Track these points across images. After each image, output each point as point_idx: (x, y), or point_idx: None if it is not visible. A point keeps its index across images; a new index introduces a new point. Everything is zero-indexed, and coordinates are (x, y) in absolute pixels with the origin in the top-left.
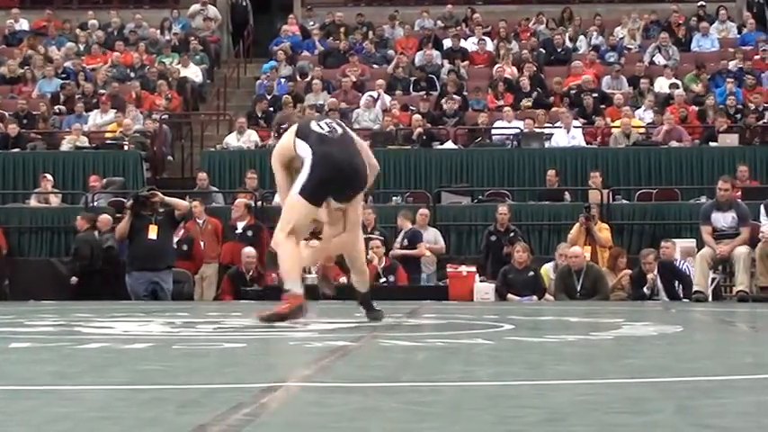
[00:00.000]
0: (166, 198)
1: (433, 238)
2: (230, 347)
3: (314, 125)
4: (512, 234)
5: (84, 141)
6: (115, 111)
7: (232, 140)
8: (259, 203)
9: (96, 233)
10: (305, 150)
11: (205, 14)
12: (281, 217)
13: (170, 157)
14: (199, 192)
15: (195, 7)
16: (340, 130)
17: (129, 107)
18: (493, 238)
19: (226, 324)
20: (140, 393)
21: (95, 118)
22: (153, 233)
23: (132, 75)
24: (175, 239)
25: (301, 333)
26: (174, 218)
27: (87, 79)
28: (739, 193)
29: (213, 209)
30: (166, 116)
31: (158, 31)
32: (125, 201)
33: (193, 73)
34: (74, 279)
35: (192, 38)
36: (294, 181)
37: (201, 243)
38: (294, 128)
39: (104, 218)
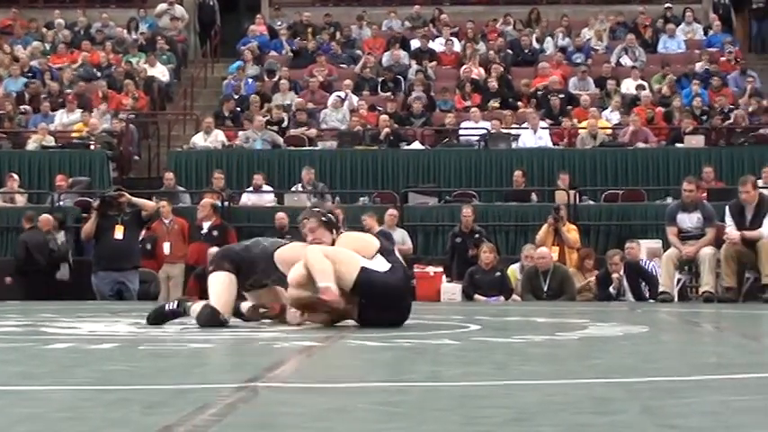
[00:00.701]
0: (133, 198)
1: (401, 238)
2: (197, 348)
3: None
4: (477, 235)
5: (50, 141)
6: (81, 110)
7: (199, 140)
8: (226, 203)
9: (46, 233)
10: None
11: (172, 14)
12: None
13: (136, 157)
14: (165, 192)
15: (162, 7)
16: None
17: (96, 107)
18: (458, 239)
19: (193, 324)
20: (106, 394)
21: (62, 117)
22: (119, 233)
23: (99, 74)
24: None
25: (269, 333)
26: (140, 218)
27: (54, 78)
28: (705, 194)
29: (180, 209)
30: (133, 116)
31: (125, 31)
32: (92, 200)
33: (160, 72)
34: (8, 279)
35: (159, 37)
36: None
37: (168, 243)
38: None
39: (45, 218)
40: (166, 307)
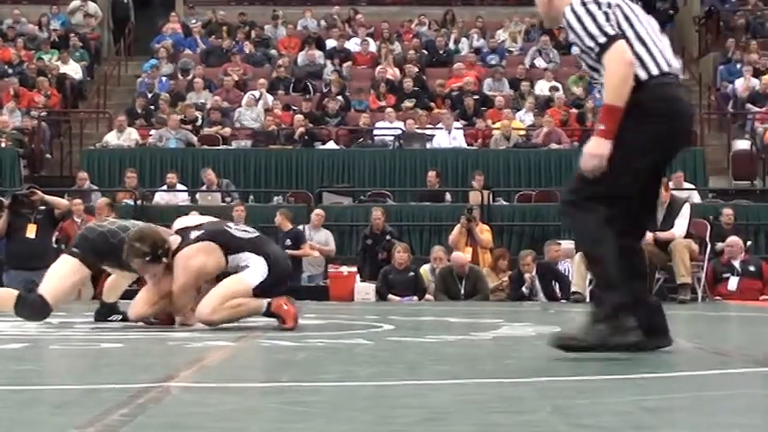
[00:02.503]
0: (46, 197)
1: (324, 238)
2: (108, 347)
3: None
4: (388, 237)
5: None
6: None
7: (112, 139)
8: (139, 202)
9: None
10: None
11: (85, 11)
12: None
13: (48, 155)
14: (78, 190)
15: (75, 3)
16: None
17: (7, 104)
18: (369, 241)
19: (104, 324)
20: (15, 394)
21: None
22: (31, 232)
23: (10, 71)
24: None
25: (181, 333)
26: (53, 217)
27: None
28: None
29: (92, 207)
30: (45, 113)
31: (37, 27)
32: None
33: (73, 70)
34: None
35: (72, 34)
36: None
37: None
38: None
39: None
40: None
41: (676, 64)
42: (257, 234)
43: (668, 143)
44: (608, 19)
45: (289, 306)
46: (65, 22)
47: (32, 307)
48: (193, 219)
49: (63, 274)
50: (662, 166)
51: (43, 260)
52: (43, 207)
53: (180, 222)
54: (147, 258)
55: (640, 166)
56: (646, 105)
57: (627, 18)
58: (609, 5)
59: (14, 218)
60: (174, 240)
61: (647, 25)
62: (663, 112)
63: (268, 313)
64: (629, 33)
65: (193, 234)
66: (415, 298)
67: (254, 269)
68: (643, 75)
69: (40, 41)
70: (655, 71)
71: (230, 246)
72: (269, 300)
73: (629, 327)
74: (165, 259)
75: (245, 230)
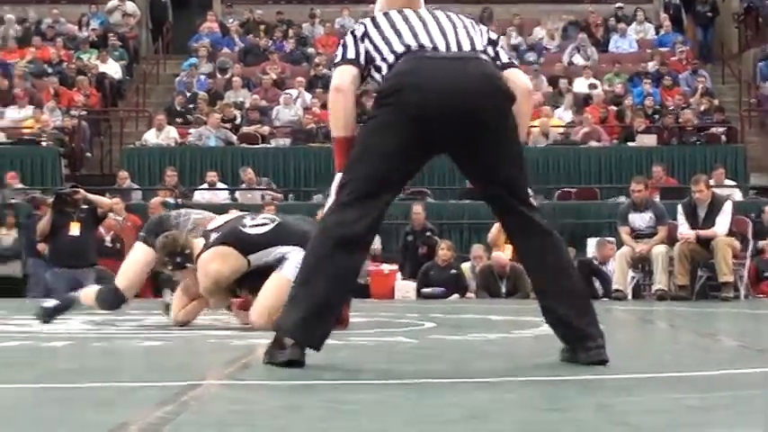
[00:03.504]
0: (89, 195)
1: None
2: (151, 345)
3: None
4: (428, 233)
5: (0, 137)
6: (33, 106)
7: (151, 137)
8: (179, 200)
9: None
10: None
11: (123, 10)
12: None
13: (88, 154)
14: (118, 189)
15: (113, 3)
16: None
17: (47, 103)
18: (410, 237)
19: (146, 322)
20: (58, 392)
21: (12, 113)
22: (75, 230)
23: (50, 70)
24: (108, 237)
25: (223, 331)
26: (96, 215)
27: (4, 74)
28: (656, 192)
29: (132, 206)
30: (85, 112)
31: (76, 27)
32: (42, 197)
33: (112, 69)
34: None
35: (111, 34)
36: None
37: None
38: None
39: None
40: (49, 305)
41: (432, 42)
42: (277, 222)
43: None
44: (352, 47)
45: (345, 308)
46: (103, 22)
47: (106, 297)
48: (220, 218)
49: (133, 259)
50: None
51: (86, 258)
52: (86, 206)
53: (211, 223)
54: (169, 267)
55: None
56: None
57: (379, 30)
58: (363, 33)
59: (58, 216)
60: (198, 244)
61: (412, 23)
62: (388, 92)
63: None
64: (381, 47)
65: (213, 236)
66: (456, 296)
67: (291, 260)
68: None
69: (79, 41)
70: (391, 59)
71: (243, 246)
72: None
73: (286, 345)
74: (188, 264)
75: (262, 223)
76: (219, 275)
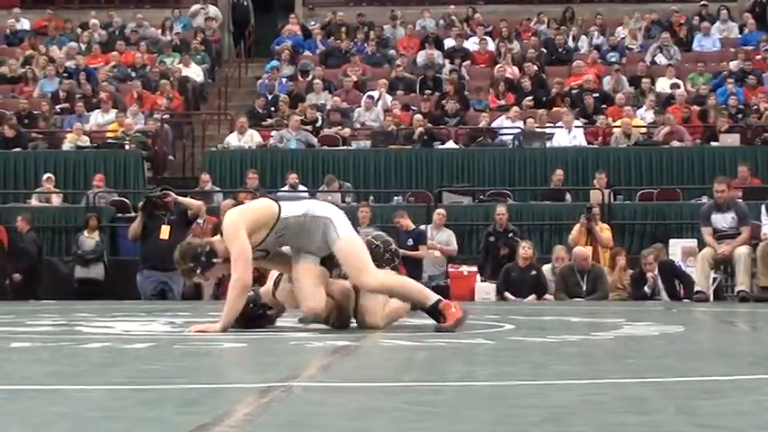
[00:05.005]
0: (179, 198)
1: (446, 238)
2: (231, 347)
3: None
4: (510, 234)
5: (85, 141)
6: (116, 110)
7: (233, 140)
8: None
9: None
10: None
11: (206, 14)
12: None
13: (171, 157)
14: (200, 191)
15: (196, 7)
16: None
17: (131, 107)
18: (491, 238)
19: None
20: (140, 393)
21: (97, 117)
22: (165, 233)
23: (133, 74)
24: None
25: (302, 333)
26: (187, 218)
27: (89, 79)
28: (739, 192)
29: (213, 208)
30: (168, 116)
31: (159, 31)
32: (126, 200)
33: (195, 72)
34: (17, 276)
35: (194, 37)
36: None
37: None
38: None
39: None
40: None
41: None
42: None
43: None
44: None
45: (457, 309)
46: (186, 26)
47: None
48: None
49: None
50: None
51: None
52: (176, 208)
53: None
54: (198, 271)
55: None
56: None
57: None
58: None
59: (149, 219)
60: (217, 239)
61: None
62: None
63: (433, 309)
64: None
65: None
66: (532, 297)
67: (339, 224)
68: None
69: (162, 45)
70: None
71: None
72: (440, 298)
73: None
74: (214, 259)
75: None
76: (246, 211)
